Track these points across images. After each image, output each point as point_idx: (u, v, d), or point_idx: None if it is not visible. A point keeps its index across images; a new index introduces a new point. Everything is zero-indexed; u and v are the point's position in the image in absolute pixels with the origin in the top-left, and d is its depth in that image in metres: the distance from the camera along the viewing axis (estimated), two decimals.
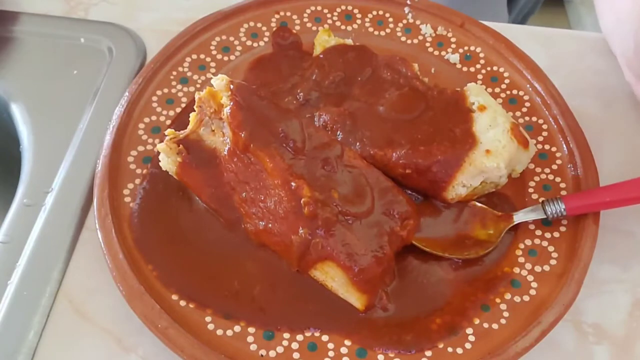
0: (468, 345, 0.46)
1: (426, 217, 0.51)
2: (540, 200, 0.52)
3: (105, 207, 0.49)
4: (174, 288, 0.47)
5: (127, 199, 0.51)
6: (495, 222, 0.51)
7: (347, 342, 0.46)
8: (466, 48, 0.62)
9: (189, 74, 0.59)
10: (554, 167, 0.55)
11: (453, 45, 0.62)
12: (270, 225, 0.48)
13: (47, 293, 0.47)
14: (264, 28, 0.62)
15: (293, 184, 0.47)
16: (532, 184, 0.54)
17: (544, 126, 0.57)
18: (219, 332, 0.45)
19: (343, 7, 0.64)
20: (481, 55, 0.62)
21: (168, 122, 0.56)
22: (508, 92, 0.60)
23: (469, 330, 0.46)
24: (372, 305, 0.47)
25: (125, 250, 0.48)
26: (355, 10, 0.64)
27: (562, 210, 0.49)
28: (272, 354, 0.45)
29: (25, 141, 0.56)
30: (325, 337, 0.46)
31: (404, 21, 0.64)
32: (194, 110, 0.51)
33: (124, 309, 0.46)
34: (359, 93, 0.55)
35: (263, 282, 0.48)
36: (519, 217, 0.51)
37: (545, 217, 0.50)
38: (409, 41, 0.63)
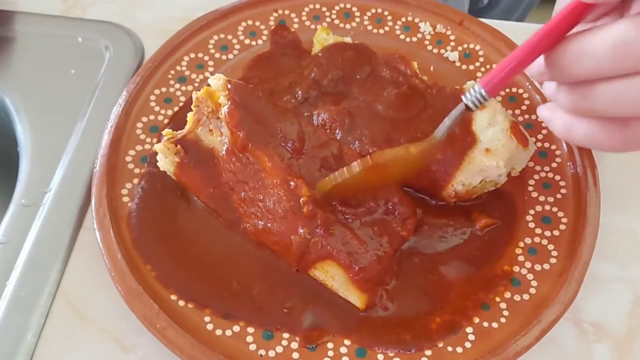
0: (468, 344, 0.45)
1: None
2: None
3: (104, 206, 0.49)
4: (173, 288, 0.47)
5: (126, 199, 0.51)
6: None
7: (347, 342, 0.45)
8: (465, 46, 0.62)
9: (187, 72, 0.59)
10: (554, 165, 0.55)
11: (452, 43, 0.62)
12: (269, 224, 0.47)
13: (46, 293, 0.47)
14: (262, 26, 0.62)
15: (292, 183, 0.46)
16: (531, 182, 0.54)
17: (544, 124, 0.57)
18: (218, 332, 0.45)
19: (342, 5, 0.64)
20: (480, 53, 0.62)
21: (166, 121, 0.55)
22: (507, 90, 0.59)
23: (469, 329, 0.46)
24: (372, 304, 0.47)
25: (123, 250, 0.48)
26: (354, 8, 0.64)
27: (480, 90, 0.39)
28: (271, 353, 0.45)
29: (23, 141, 0.56)
30: (324, 337, 0.46)
31: (403, 19, 0.64)
32: (192, 110, 0.51)
33: (122, 309, 0.45)
34: (357, 91, 0.54)
35: (262, 281, 0.48)
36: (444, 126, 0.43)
37: (467, 106, 0.41)
38: (407, 39, 0.63)
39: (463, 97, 0.40)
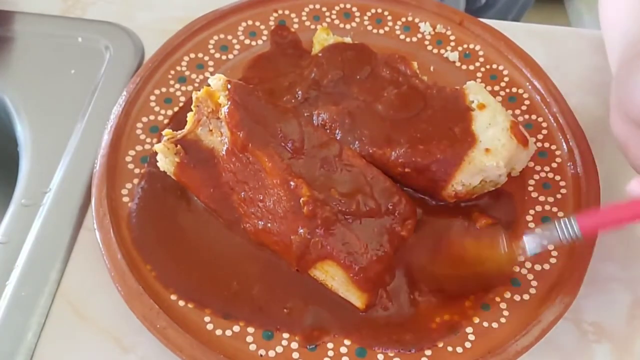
0: (468, 344, 0.45)
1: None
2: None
3: (104, 207, 0.49)
4: (173, 288, 0.47)
5: (126, 199, 0.51)
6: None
7: (347, 342, 0.45)
8: (465, 46, 0.62)
9: (187, 73, 0.58)
10: (554, 165, 0.55)
11: (452, 43, 0.62)
12: (269, 224, 0.47)
13: (46, 293, 0.47)
14: (262, 27, 0.62)
15: (292, 183, 0.46)
16: (531, 182, 0.54)
17: (544, 124, 0.57)
18: (218, 332, 0.45)
19: (342, 5, 0.64)
20: (480, 53, 0.62)
21: (166, 121, 0.55)
22: (507, 90, 0.59)
23: (469, 329, 0.46)
24: (372, 304, 0.47)
25: (123, 250, 0.47)
26: (354, 9, 0.64)
27: (576, 231, 0.43)
28: (271, 353, 0.45)
29: (23, 141, 0.56)
30: (324, 337, 0.46)
31: (403, 19, 0.64)
32: (192, 110, 0.51)
33: (122, 309, 0.45)
34: (357, 91, 0.54)
35: (262, 281, 0.48)
36: (530, 243, 0.45)
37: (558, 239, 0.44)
38: (407, 39, 0.63)
39: (556, 225, 0.43)
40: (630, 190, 0.40)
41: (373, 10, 0.64)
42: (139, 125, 0.55)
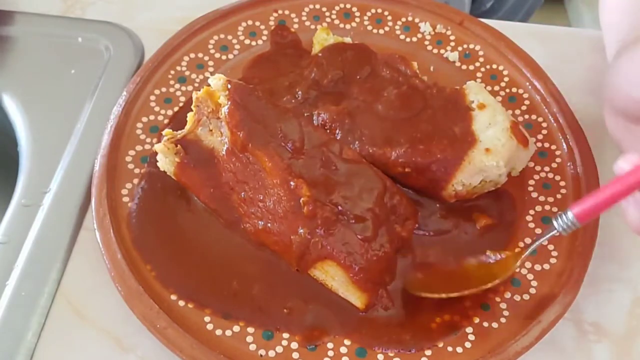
0: (468, 344, 0.45)
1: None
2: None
3: (104, 207, 0.49)
4: (173, 288, 0.47)
5: (126, 199, 0.51)
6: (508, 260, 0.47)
7: (347, 342, 0.45)
8: (465, 46, 0.62)
9: (187, 73, 0.58)
10: (554, 165, 0.55)
11: (452, 43, 0.62)
12: (269, 225, 0.47)
13: (46, 293, 0.47)
14: (262, 27, 0.62)
15: (292, 183, 0.46)
16: (531, 182, 0.54)
17: (544, 124, 0.57)
18: (218, 332, 0.45)
19: (342, 5, 0.64)
20: (480, 53, 0.62)
21: (166, 121, 0.55)
22: (507, 90, 0.59)
23: (469, 329, 0.46)
24: (372, 304, 0.47)
25: (123, 250, 0.48)
26: (354, 9, 0.64)
27: (573, 219, 0.43)
28: (271, 353, 0.45)
29: (23, 141, 0.56)
30: (324, 337, 0.46)
31: (403, 19, 0.64)
32: (192, 110, 0.51)
33: (122, 309, 0.45)
34: (357, 92, 0.54)
35: (262, 281, 0.48)
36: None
37: (557, 232, 0.44)
38: (407, 39, 0.63)
39: (555, 223, 0.43)
40: (617, 167, 0.40)
41: (373, 10, 0.64)
42: (139, 125, 0.55)
